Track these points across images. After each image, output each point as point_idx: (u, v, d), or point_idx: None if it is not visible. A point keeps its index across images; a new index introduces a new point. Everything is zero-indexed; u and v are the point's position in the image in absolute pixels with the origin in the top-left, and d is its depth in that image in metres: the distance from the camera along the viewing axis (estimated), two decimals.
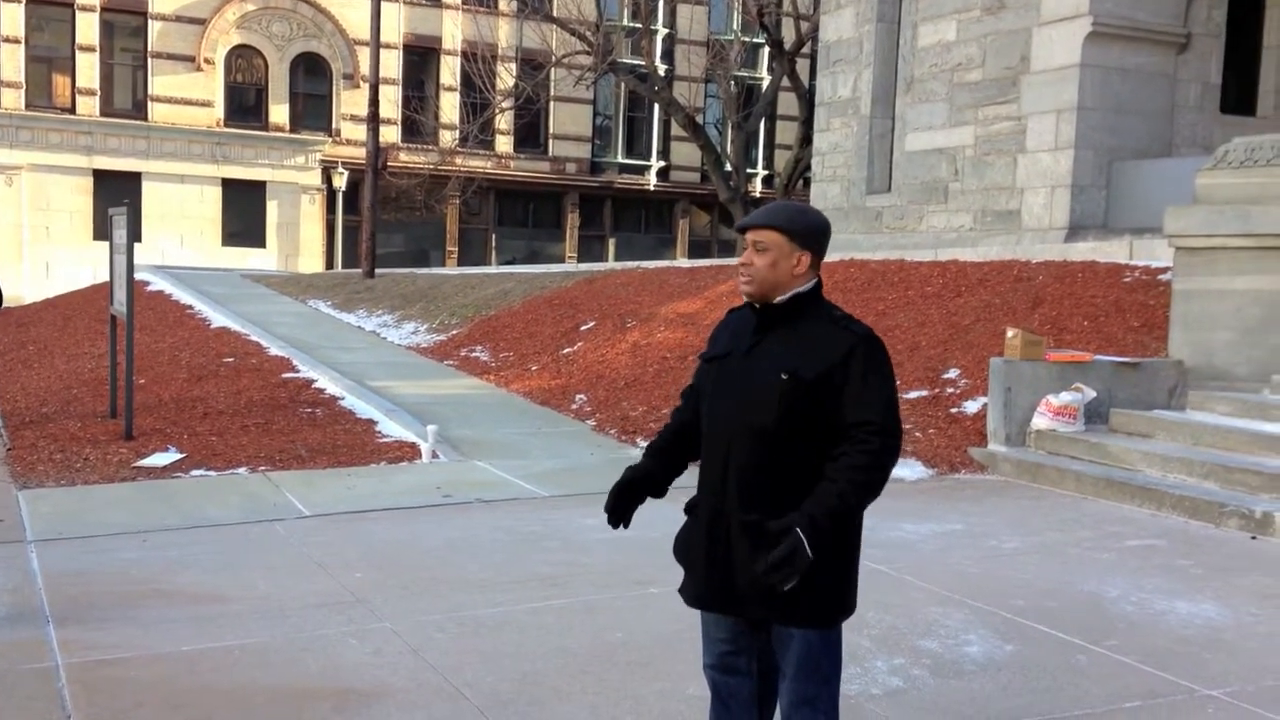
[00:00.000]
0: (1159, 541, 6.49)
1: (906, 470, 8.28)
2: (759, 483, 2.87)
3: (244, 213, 32.40)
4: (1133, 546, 6.37)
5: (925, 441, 8.75)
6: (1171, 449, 7.90)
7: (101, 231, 28.74)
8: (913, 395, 9.53)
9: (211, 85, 32.29)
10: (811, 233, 2.96)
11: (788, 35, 26.61)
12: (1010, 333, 8.86)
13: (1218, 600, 5.34)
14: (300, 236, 32.97)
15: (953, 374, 9.73)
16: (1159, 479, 7.55)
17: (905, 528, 6.72)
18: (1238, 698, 4.20)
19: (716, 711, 3.14)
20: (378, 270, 23.02)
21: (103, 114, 31.14)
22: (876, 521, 6.73)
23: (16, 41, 30.20)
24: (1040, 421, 8.51)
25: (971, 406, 9.12)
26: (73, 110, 30.91)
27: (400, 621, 4.96)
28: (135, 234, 10.44)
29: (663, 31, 35.57)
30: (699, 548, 3.00)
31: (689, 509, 3.08)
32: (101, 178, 30.71)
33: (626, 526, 3.19)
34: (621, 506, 3.17)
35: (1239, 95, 14.27)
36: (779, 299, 2.94)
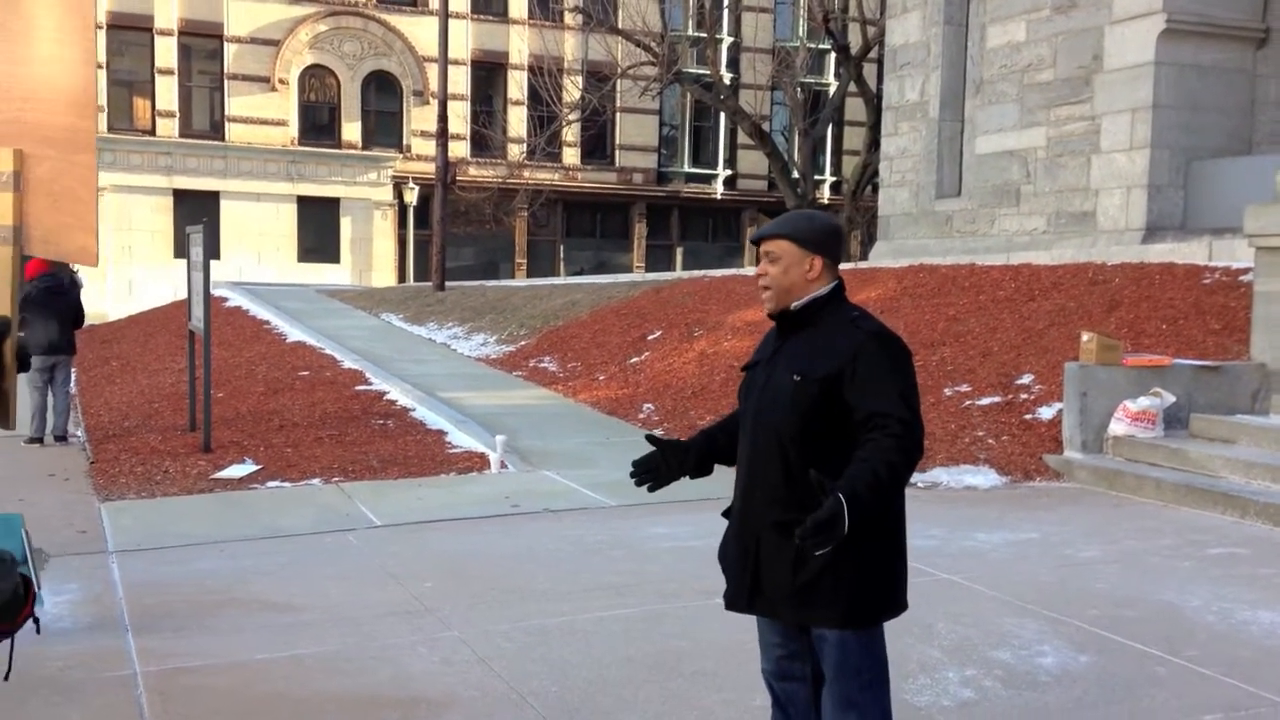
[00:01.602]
0: (1242, 550, 6.30)
1: (980, 478, 8.15)
2: (781, 485, 2.89)
3: (318, 229, 33.03)
4: (1214, 555, 6.20)
5: (999, 449, 8.61)
6: (1255, 454, 7.67)
7: (182, 249, 29.44)
8: (985, 401, 9.38)
9: (286, 105, 32.97)
10: (820, 237, 2.98)
11: (854, 40, 26.42)
12: (1085, 336, 8.68)
13: None
14: (373, 251, 33.50)
15: (1026, 379, 9.55)
16: (1242, 485, 7.33)
17: (978, 536, 6.61)
18: None
19: (776, 718, 3.14)
20: (448, 283, 23.30)
21: (181, 135, 31.97)
22: (948, 530, 6.66)
23: (99, 67, 31.10)
24: (1118, 427, 8.32)
25: (1046, 413, 8.95)
26: (153, 132, 31.77)
27: (468, 630, 5.00)
28: (213, 251, 10.71)
29: (728, 40, 35.53)
30: (731, 550, 3.06)
31: (726, 514, 3.12)
32: (181, 197, 31.51)
33: (654, 488, 3.15)
34: (648, 463, 3.13)
35: None
36: (795, 305, 2.97)
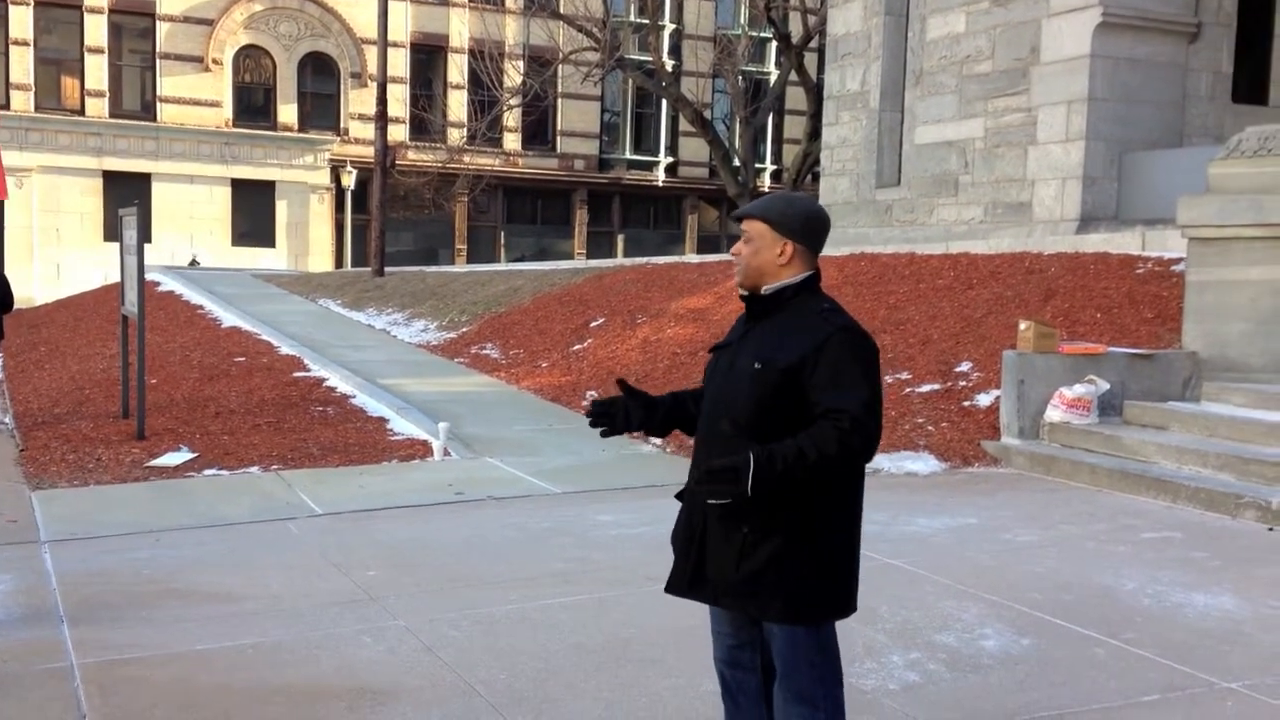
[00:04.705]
0: (1175, 534, 6.45)
1: (919, 464, 8.25)
2: None
3: (253, 213, 32.48)
4: (1148, 539, 6.34)
5: (938, 435, 8.72)
6: (1186, 440, 7.85)
7: (112, 233, 28.84)
8: (925, 389, 9.49)
9: (220, 86, 32.35)
10: (796, 223, 2.91)
11: (795, 29, 26.55)
12: (1023, 325, 8.82)
13: (1236, 592, 5.30)
14: (309, 236, 33.03)
15: (965, 367, 9.69)
16: (1174, 471, 7.50)
17: (919, 522, 6.69)
18: (1258, 690, 4.17)
19: (726, 706, 3.15)
20: (387, 269, 23.03)
21: (112, 115, 31.22)
22: (890, 515, 6.74)
23: (25, 44, 30.29)
24: (1054, 414, 8.47)
25: (984, 399, 9.08)
26: (82, 112, 31.00)
27: (414, 619, 4.96)
28: (145, 234, 10.49)
29: (670, 27, 35.52)
30: (680, 533, 3.02)
31: (679, 496, 3.08)
32: (111, 179, 30.79)
33: (607, 433, 3.10)
34: (609, 406, 3.08)
35: (1250, 85, 14.18)
36: (765, 289, 2.93)
